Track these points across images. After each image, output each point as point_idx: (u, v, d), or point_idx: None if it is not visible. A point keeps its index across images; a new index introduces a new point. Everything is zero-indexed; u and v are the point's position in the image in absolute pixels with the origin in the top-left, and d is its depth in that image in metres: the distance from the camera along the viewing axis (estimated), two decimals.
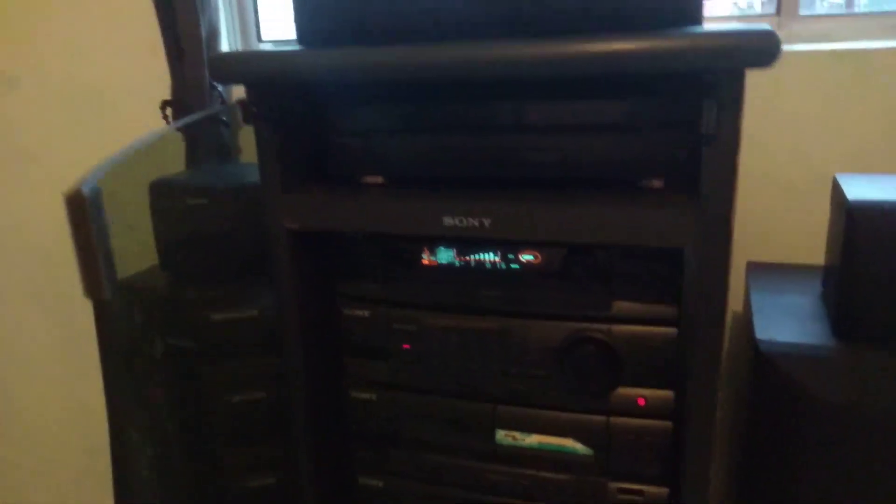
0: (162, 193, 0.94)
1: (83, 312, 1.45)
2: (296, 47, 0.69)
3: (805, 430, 0.70)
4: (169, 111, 1.16)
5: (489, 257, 0.75)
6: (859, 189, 0.74)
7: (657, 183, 0.68)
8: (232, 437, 0.87)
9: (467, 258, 0.76)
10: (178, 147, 1.17)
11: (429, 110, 0.71)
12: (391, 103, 0.72)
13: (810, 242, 0.91)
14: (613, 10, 0.57)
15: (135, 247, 1.07)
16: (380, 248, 0.79)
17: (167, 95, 1.17)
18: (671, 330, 0.72)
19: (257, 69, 0.64)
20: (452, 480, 0.83)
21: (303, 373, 0.80)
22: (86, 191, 0.50)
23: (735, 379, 1.02)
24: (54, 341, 1.57)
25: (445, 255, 0.77)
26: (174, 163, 1.16)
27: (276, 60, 0.64)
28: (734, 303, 1.03)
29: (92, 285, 0.48)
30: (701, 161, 0.60)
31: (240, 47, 1.26)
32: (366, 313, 0.81)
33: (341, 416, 0.86)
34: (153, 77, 1.19)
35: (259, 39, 1.29)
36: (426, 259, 0.78)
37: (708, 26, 0.57)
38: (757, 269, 0.97)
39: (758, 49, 0.51)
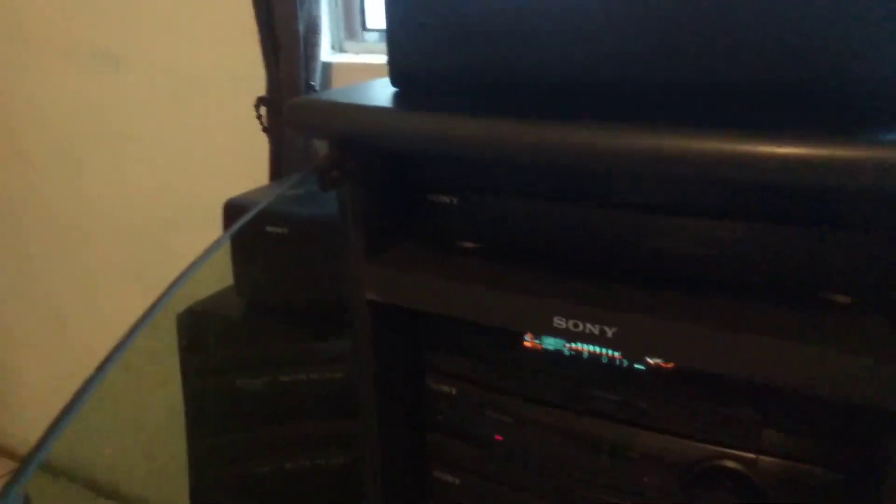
0: (236, 215, 0.86)
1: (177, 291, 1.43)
2: (389, 92, 0.57)
3: None
4: (263, 110, 1.08)
5: (607, 351, 0.62)
6: None
7: (843, 298, 0.51)
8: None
9: (579, 348, 0.63)
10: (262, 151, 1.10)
11: (544, 176, 0.58)
12: (497, 165, 0.59)
13: None
14: (803, 90, 0.41)
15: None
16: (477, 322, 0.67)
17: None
18: (837, 475, 0.56)
19: (340, 125, 0.53)
20: None
21: (378, 442, 0.71)
22: None
23: None
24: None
25: (553, 342, 0.64)
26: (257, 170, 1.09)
27: (364, 116, 0.52)
28: None
29: None
30: None
31: (343, 38, 1.15)
32: (453, 391, 0.70)
33: (421, 494, 0.76)
34: (254, 70, 1.11)
35: (364, 28, 1.17)
36: (529, 341, 0.65)
37: None
38: None
39: None
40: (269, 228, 0.81)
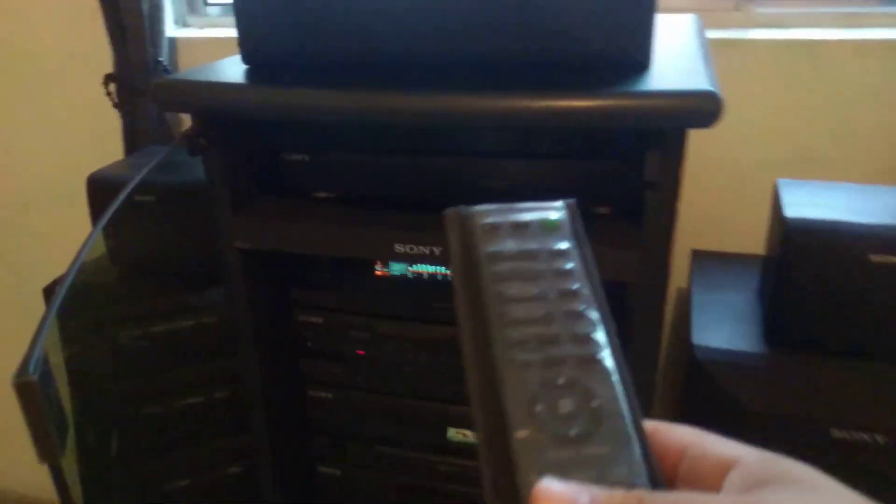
0: (100, 189, 0.92)
1: (34, 282, 1.43)
2: (242, 69, 0.67)
3: (734, 433, 0.76)
4: (112, 87, 1.12)
5: (440, 270, 0.77)
6: (798, 203, 0.76)
7: (604, 209, 0.69)
8: (196, 434, 0.90)
9: (419, 270, 0.78)
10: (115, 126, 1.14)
11: (382, 132, 0.71)
12: (341, 127, 0.71)
13: (755, 231, 0.94)
14: (559, 60, 0.57)
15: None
16: (333, 259, 0.80)
17: (111, 67, 1.13)
18: None
19: (206, 102, 0.63)
20: (406, 470, 0.88)
21: (259, 375, 0.82)
22: (36, 378, 0.50)
23: (676, 364, 1.08)
24: (6, 307, 1.56)
25: (398, 268, 0.78)
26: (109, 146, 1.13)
27: (225, 92, 0.62)
28: (680, 280, 1.07)
29: (46, 453, 0.49)
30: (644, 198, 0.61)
31: (185, 13, 1.21)
32: (320, 320, 0.83)
33: (301, 412, 0.89)
34: (98, 48, 1.14)
35: (205, 2, 1.23)
36: (379, 270, 0.79)
37: (658, 77, 0.57)
38: (702, 258, 1.01)
39: (702, 111, 0.52)
40: (137, 198, 0.88)
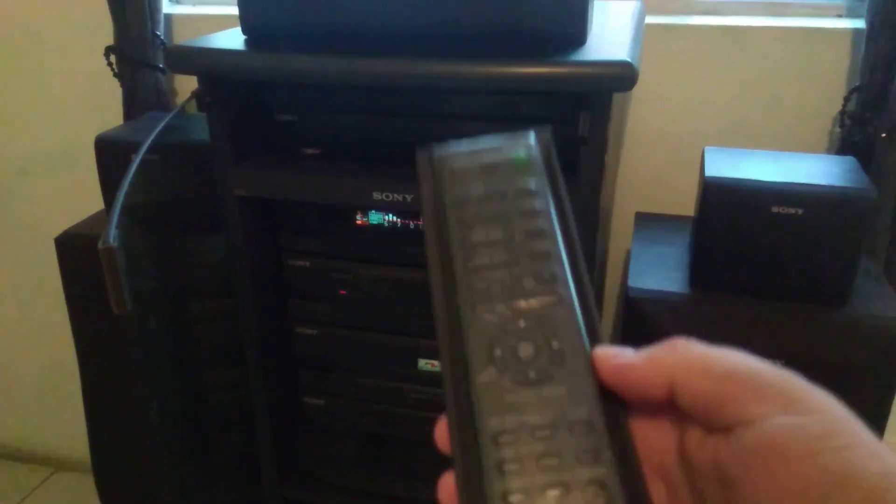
0: (107, 150, 1.02)
1: (33, 241, 1.53)
2: (241, 39, 0.78)
3: None
4: (113, 58, 1.22)
5: (412, 220, 0.89)
6: (718, 165, 0.89)
7: None
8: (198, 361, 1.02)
9: (394, 220, 0.90)
10: (115, 95, 1.24)
11: (362, 96, 0.83)
12: (328, 88, 0.83)
13: (692, 196, 1.08)
14: (512, 34, 0.69)
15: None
16: (319, 209, 0.92)
17: (107, 39, 1.22)
18: None
19: (213, 65, 0.74)
20: (382, 399, 1.00)
21: (252, 313, 0.94)
22: (115, 244, 0.62)
23: (619, 311, 1.21)
24: (4, 266, 1.65)
25: (376, 217, 0.90)
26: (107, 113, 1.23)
27: (229, 58, 0.74)
28: (627, 243, 1.20)
29: (120, 305, 0.61)
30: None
31: None
32: (307, 264, 0.95)
33: (288, 346, 1.01)
34: (96, 19, 1.24)
35: None
36: (359, 220, 0.91)
37: (590, 50, 0.69)
38: (643, 219, 1.14)
39: (621, 77, 0.65)
40: (143, 156, 0.99)
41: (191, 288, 0.99)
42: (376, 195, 0.80)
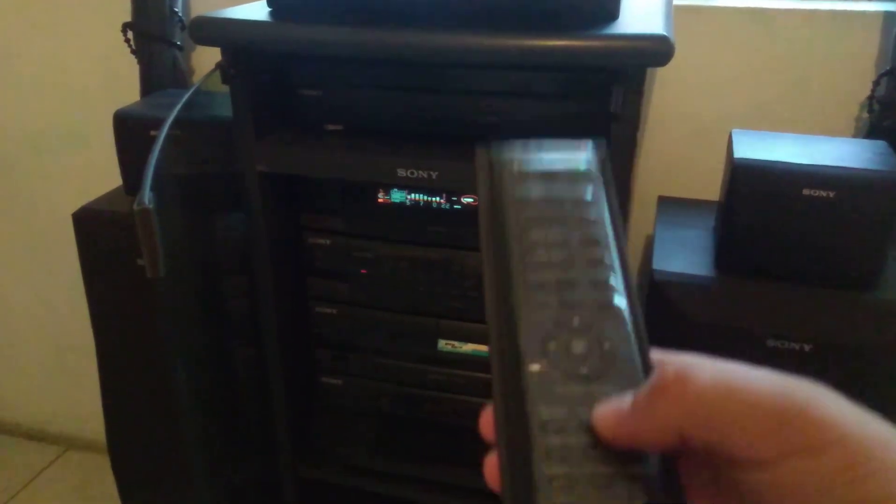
0: (127, 125, 1.01)
1: (45, 222, 1.52)
2: (266, 10, 0.77)
3: (684, 344, 0.88)
4: (130, 35, 1.20)
5: (436, 199, 0.88)
6: (747, 147, 0.88)
7: None
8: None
9: (417, 198, 0.89)
10: (131, 72, 1.23)
11: (387, 72, 0.81)
12: (352, 63, 0.82)
13: (715, 180, 1.06)
14: (542, 7, 0.67)
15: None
16: (341, 187, 0.91)
17: (121, 15, 1.21)
18: None
19: (238, 36, 0.73)
20: (400, 379, 0.99)
21: (271, 290, 0.93)
22: (150, 205, 0.61)
23: (642, 293, 1.20)
24: (17, 245, 1.64)
25: (398, 196, 0.89)
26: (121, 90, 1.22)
27: (254, 29, 0.73)
28: (648, 228, 1.19)
29: (154, 271, 0.60)
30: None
31: None
32: (327, 242, 0.94)
33: (307, 326, 1.00)
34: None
35: None
36: (381, 198, 0.90)
37: (623, 25, 0.68)
38: (666, 203, 1.13)
39: (657, 52, 0.63)
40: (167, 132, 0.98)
41: (209, 265, 0.98)
42: (401, 172, 0.79)
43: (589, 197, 0.28)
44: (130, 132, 1.04)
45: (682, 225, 1.05)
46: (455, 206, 0.87)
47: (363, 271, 0.93)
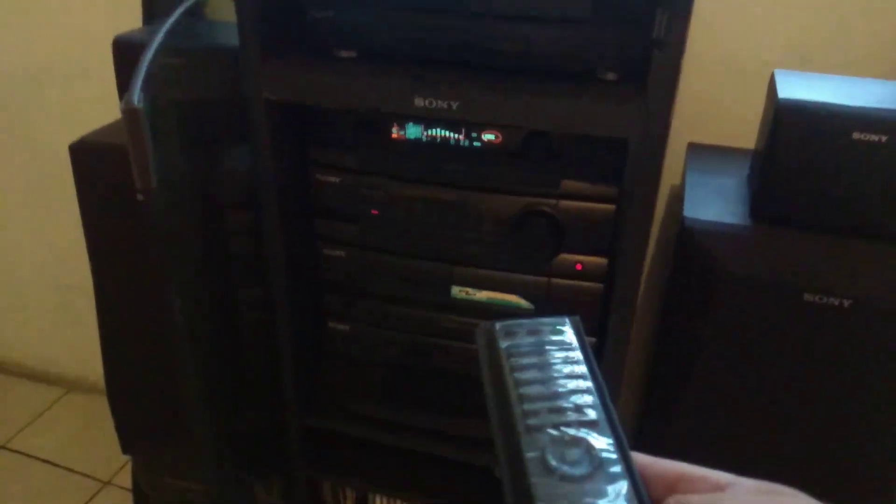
0: (126, 52, 0.95)
1: (45, 158, 1.47)
2: None
3: (716, 296, 0.83)
4: None
5: (454, 135, 0.82)
6: (791, 87, 0.81)
7: (612, 76, 0.74)
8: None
9: (434, 134, 0.83)
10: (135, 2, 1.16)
11: None
12: None
13: (749, 127, 0.99)
14: None
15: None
16: (352, 120, 0.85)
17: None
18: (610, 207, 0.82)
19: None
20: (410, 327, 0.95)
21: (278, 229, 0.88)
22: (139, 104, 0.55)
23: (666, 249, 1.14)
24: (18, 184, 1.59)
25: (414, 131, 0.83)
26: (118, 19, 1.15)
27: None
28: (675, 178, 1.13)
29: (144, 181, 0.54)
30: (651, 61, 0.66)
31: None
32: (337, 179, 0.88)
33: (314, 269, 0.95)
34: None
35: None
36: (395, 133, 0.84)
37: None
38: (696, 150, 1.06)
39: None
40: (167, 60, 0.91)
41: (215, 199, 0.92)
42: (418, 101, 0.73)
43: (568, 341, 0.36)
44: (130, 60, 0.97)
45: (714, 173, 0.99)
46: (475, 144, 0.81)
47: (374, 212, 0.88)
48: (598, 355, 0.85)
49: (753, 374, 0.85)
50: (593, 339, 0.88)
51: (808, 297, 0.80)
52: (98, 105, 1.21)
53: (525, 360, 0.35)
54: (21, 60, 1.42)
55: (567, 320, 0.37)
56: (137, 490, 1.27)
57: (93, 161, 1.05)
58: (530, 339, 0.36)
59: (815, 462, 0.88)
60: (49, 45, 1.39)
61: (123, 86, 1.01)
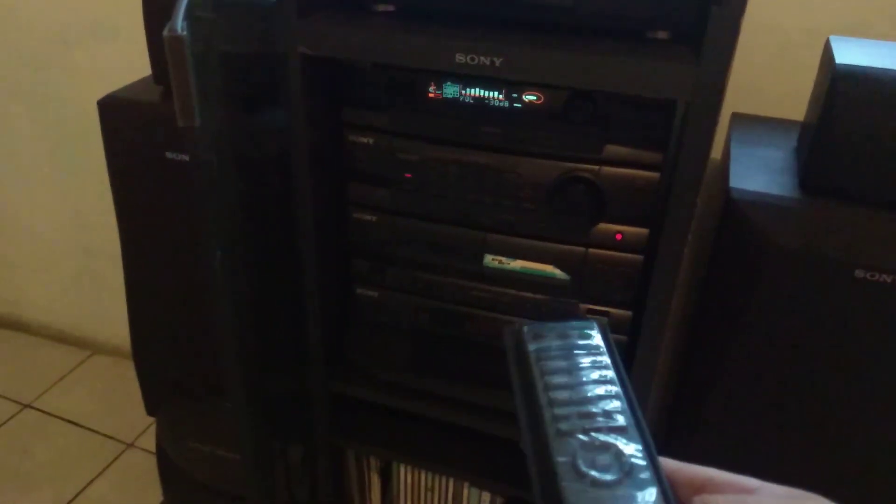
0: (156, 9, 0.92)
1: (72, 118, 1.46)
2: None
3: (762, 271, 0.80)
4: None
5: (494, 94, 0.79)
6: (848, 53, 0.77)
7: (663, 34, 0.71)
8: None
9: (473, 93, 0.80)
10: None
11: None
12: None
13: (795, 99, 0.95)
14: None
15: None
16: (387, 79, 0.82)
17: None
18: (654, 174, 0.78)
19: None
20: (441, 296, 0.93)
21: (309, 189, 0.86)
22: (183, 33, 0.53)
23: (707, 222, 1.11)
24: (44, 146, 1.59)
25: (451, 90, 0.80)
26: None
27: None
28: (715, 150, 1.09)
29: (186, 114, 0.52)
30: (707, 18, 0.63)
31: None
32: (370, 141, 0.86)
33: (344, 233, 0.93)
34: None
35: None
36: (432, 92, 0.81)
37: None
38: (741, 121, 1.02)
39: None
40: (197, 13, 0.89)
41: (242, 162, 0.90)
42: (460, 57, 0.70)
43: (595, 344, 0.36)
44: (161, 15, 0.95)
45: (760, 143, 0.95)
46: (515, 105, 0.78)
47: (407, 175, 0.86)
48: (636, 328, 0.83)
49: (797, 356, 0.82)
50: (629, 313, 0.85)
51: (859, 273, 0.76)
52: (124, 65, 1.19)
53: (554, 364, 0.35)
54: (49, 19, 1.41)
55: (595, 324, 0.38)
56: (161, 452, 1.27)
57: (121, 117, 1.04)
58: (558, 343, 0.36)
59: (864, 462, 0.85)
60: (78, 3, 1.38)
61: (153, 43, 0.99)
